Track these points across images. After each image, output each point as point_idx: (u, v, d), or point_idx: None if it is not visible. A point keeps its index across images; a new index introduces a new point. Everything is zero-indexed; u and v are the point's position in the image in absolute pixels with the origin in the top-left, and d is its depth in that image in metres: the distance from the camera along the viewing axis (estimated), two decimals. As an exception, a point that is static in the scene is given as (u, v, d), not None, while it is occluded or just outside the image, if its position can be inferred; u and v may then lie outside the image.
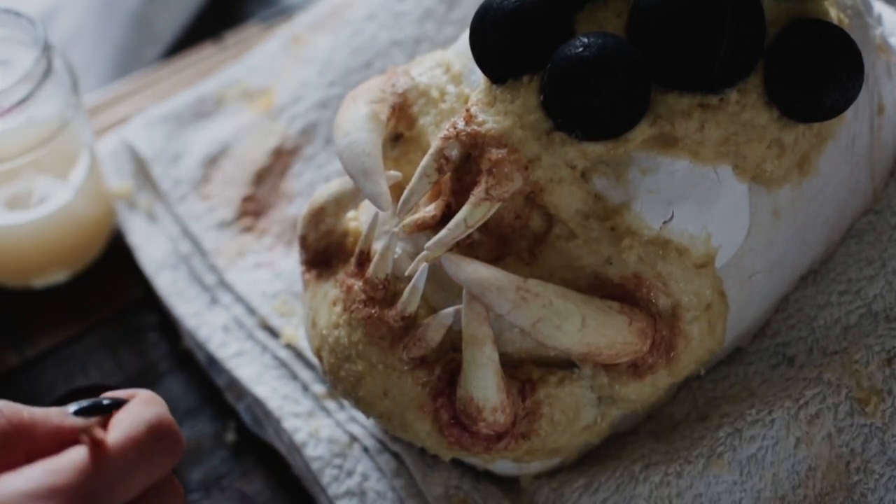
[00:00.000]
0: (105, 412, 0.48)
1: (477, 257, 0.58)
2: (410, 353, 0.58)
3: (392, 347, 0.59)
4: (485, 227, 0.59)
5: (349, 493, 0.65)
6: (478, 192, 0.57)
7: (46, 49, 0.71)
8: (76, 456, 0.45)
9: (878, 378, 0.61)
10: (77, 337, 0.76)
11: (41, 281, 0.77)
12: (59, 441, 0.47)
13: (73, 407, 0.48)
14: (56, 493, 0.44)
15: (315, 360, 0.69)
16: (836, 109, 0.59)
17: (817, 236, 0.64)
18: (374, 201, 0.58)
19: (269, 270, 0.75)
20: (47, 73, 0.71)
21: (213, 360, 0.73)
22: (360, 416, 0.68)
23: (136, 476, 0.46)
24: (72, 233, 0.77)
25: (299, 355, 0.72)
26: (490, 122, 0.58)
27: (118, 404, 0.49)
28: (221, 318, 0.74)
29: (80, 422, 0.47)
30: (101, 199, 0.79)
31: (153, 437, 0.47)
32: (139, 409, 0.48)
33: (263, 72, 0.85)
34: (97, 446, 0.46)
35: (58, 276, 0.78)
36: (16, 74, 0.71)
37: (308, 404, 0.69)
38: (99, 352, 0.75)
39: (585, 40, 0.56)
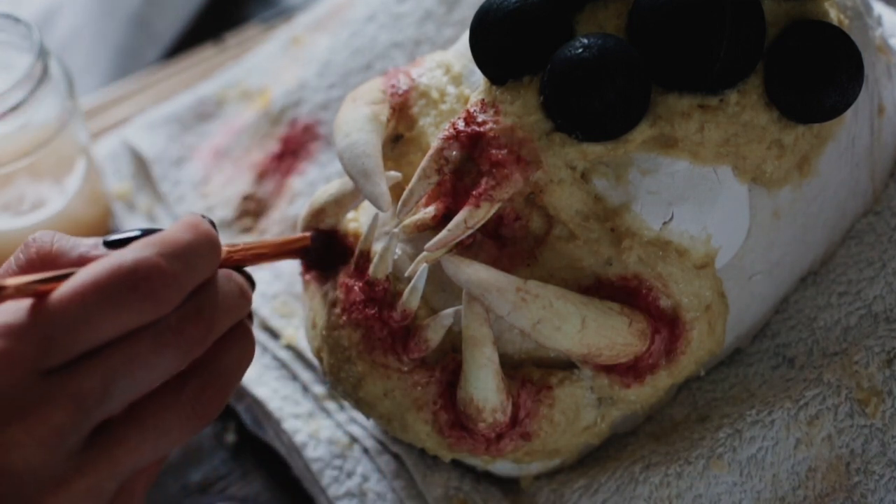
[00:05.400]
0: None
1: (477, 258, 0.58)
2: (410, 355, 0.58)
3: (392, 349, 0.58)
4: (485, 228, 0.59)
5: (349, 495, 0.65)
6: (478, 193, 0.57)
7: (42, 53, 0.71)
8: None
9: (879, 379, 0.61)
10: (77, 338, 0.76)
11: (40, 283, 0.77)
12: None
13: (105, 238, 0.47)
14: (8, 330, 0.43)
15: (315, 361, 0.69)
16: (836, 110, 0.59)
17: (817, 237, 0.64)
18: (374, 202, 0.58)
19: (269, 271, 0.75)
20: (43, 77, 0.71)
21: (213, 362, 0.73)
22: (360, 417, 0.68)
23: (101, 322, 0.44)
24: (69, 236, 0.77)
25: (299, 356, 0.72)
26: (490, 122, 0.58)
27: (149, 234, 0.46)
28: (221, 319, 0.74)
29: (103, 252, 0.46)
30: (98, 202, 0.79)
31: (120, 283, 0.44)
32: (125, 252, 0.45)
33: (263, 73, 0.85)
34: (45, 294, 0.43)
35: (57, 278, 0.78)
36: (12, 79, 0.71)
37: (308, 405, 0.69)
38: (99, 353, 0.75)
39: (585, 41, 0.56)
